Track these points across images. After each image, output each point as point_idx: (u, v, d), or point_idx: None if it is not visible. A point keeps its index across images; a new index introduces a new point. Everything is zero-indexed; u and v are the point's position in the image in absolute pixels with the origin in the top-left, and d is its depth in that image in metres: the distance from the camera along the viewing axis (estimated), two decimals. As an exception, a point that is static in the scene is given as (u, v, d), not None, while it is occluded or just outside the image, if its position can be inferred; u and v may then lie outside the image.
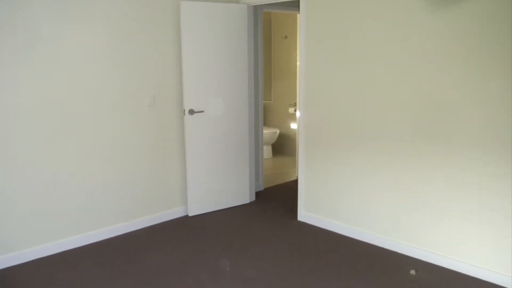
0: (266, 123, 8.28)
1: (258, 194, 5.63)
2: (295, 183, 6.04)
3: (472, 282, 3.43)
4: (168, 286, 3.38)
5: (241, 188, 5.21)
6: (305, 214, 4.70)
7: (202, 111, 4.73)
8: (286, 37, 7.77)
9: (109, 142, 4.22)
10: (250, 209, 5.14)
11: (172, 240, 4.25)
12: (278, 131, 7.76)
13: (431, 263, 3.73)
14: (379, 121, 3.95)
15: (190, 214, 4.88)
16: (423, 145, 3.67)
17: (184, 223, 4.70)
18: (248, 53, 5.08)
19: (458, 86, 3.41)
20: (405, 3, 3.63)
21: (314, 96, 4.45)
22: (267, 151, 7.76)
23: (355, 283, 3.42)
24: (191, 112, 4.65)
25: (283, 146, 8.13)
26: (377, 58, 3.88)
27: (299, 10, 4.51)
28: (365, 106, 4.03)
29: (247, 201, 5.30)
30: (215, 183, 4.97)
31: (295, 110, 7.30)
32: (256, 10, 5.26)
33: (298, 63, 4.78)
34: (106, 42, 4.08)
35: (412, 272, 3.56)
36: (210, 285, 3.39)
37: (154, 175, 4.62)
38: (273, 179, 6.42)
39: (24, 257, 3.81)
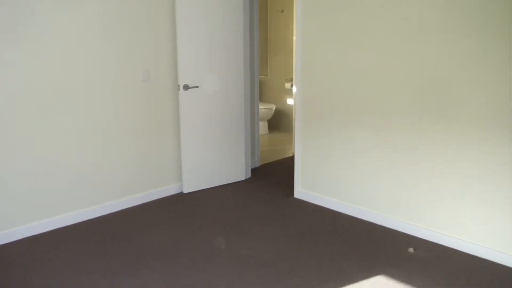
0: (262, 99, 8.19)
1: (254, 171, 5.58)
2: (291, 159, 6.00)
3: (471, 260, 3.40)
4: (161, 264, 3.34)
5: (236, 165, 5.15)
6: (301, 191, 4.66)
7: (197, 87, 4.63)
8: (282, 11, 7.64)
9: (101, 118, 4.12)
10: (246, 186, 5.10)
11: (166, 217, 4.20)
12: (274, 107, 7.69)
13: (430, 241, 3.70)
14: (378, 97, 3.87)
15: (185, 191, 4.82)
16: (423, 121, 3.61)
17: (178, 200, 4.65)
18: (244, 27, 4.96)
19: (459, 62, 3.34)
20: (407, -27, 3.53)
21: (311, 71, 4.35)
22: (263, 127, 7.70)
23: (353, 261, 3.38)
24: (186, 87, 4.55)
25: (279, 122, 8.07)
26: (376, 33, 3.78)
27: (296, -18, 4.39)
28: (364, 81, 3.94)
29: (243, 178, 5.25)
30: (210, 160, 4.90)
31: (291, 86, 7.21)
32: (252, -18, 5.13)
33: (294, 38, 4.68)
34: (98, 15, 3.95)
35: (411, 250, 3.53)
36: (204, 264, 3.35)
37: (148, 151, 4.54)
38: (269, 155, 6.37)
39: (15, 235, 3.74)
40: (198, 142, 4.77)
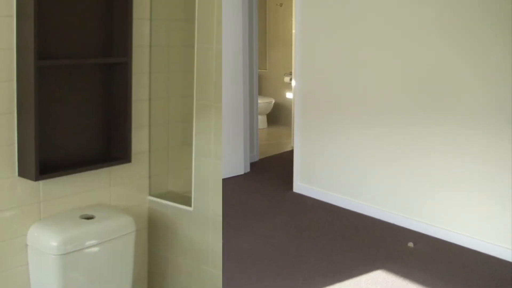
0: (261, 93, 8.16)
1: (252, 165, 5.56)
2: (290, 153, 5.97)
3: (471, 254, 3.39)
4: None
5: (235, 159, 5.13)
6: (300, 185, 4.64)
7: (195, 80, 4.61)
8: (281, 4, 7.61)
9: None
10: (245, 180, 5.08)
11: (165, 212, 4.18)
12: (273, 101, 7.66)
13: (430, 235, 3.68)
14: (377, 91, 3.85)
15: (184, 186, 4.80)
16: (422, 115, 3.59)
17: (177, 194, 4.63)
18: (243, 20, 4.93)
19: (458, 56, 3.32)
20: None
21: (310, 65, 4.33)
22: (262, 121, 7.67)
23: (352, 256, 3.37)
24: (184, 81, 4.53)
25: (279, 116, 8.05)
26: (376, 27, 3.76)
27: (295, -25, 4.36)
28: (363, 75, 3.92)
29: (242, 172, 5.23)
30: (209, 154, 4.88)
31: (290, 79, 7.18)
32: (250, -25, 5.09)
33: (293, 31, 4.66)
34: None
35: (410, 244, 3.52)
36: (204, 258, 3.34)
37: (147, 146, 4.52)
38: (268, 149, 6.35)
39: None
40: (196, 136, 4.74)
